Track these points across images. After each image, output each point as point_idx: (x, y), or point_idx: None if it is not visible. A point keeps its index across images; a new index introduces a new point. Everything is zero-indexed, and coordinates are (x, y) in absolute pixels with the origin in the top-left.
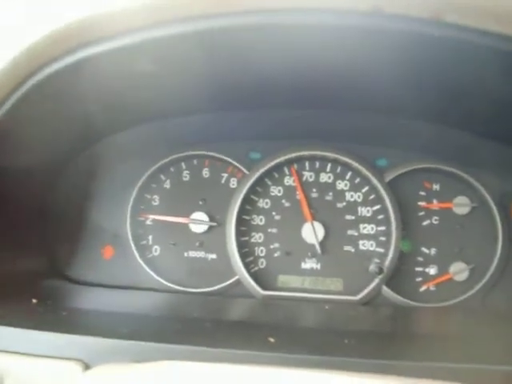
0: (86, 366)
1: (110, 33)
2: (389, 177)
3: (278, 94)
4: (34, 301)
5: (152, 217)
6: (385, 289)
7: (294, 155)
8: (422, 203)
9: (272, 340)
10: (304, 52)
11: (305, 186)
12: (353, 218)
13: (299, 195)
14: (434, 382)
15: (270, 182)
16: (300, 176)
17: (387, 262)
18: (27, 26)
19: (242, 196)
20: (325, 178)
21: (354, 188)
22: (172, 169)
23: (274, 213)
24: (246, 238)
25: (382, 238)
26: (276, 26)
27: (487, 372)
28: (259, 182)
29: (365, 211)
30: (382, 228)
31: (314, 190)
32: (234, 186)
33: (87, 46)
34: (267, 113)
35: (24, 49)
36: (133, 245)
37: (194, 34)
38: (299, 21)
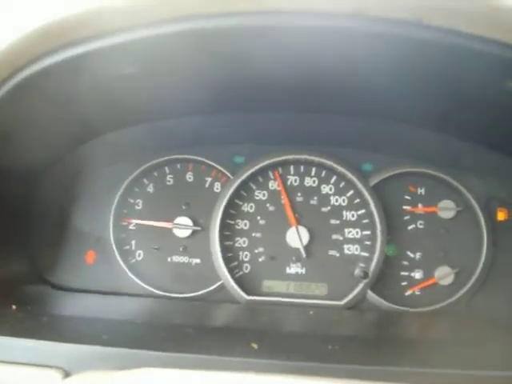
0: (66, 374)
1: (96, 32)
2: (374, 181)
3: (264, 97)
4: (14, 307)
5: (135, 221)
6: (370, 293)
7: (278, 159)
8: (406, 207)
9: (255, 346)
10: (292, 56)
11: (289, 190)
12: (338, 222)
13: (283, 199)
14: None
15: (254, 186)
16: (284, 180)
17: (372, 267)
18: (11, 22)
19: (226, 200)
20: (309, 182)
21: (339, 192)
22: (155, 173)
23: (258, 217)
24: (230, 243)
25: (367, 243)
26: (264, 28)
27: (473, 377)
28: (243, 186)
29: (350, 215)
30: (367, 232)
31: (299, 194)
32: (217, 190)
33: (72, 45)
34: (251, 117)
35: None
36: (116, 250)
37: (184, 36)
38: (282, 23)
